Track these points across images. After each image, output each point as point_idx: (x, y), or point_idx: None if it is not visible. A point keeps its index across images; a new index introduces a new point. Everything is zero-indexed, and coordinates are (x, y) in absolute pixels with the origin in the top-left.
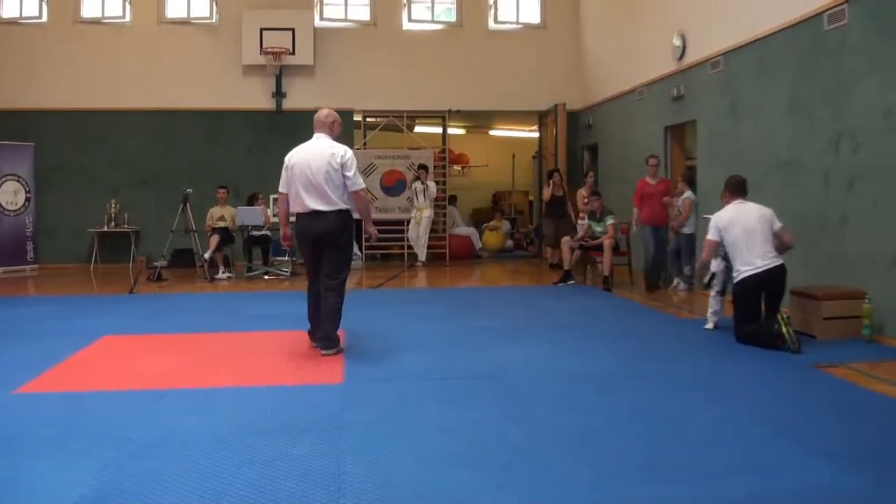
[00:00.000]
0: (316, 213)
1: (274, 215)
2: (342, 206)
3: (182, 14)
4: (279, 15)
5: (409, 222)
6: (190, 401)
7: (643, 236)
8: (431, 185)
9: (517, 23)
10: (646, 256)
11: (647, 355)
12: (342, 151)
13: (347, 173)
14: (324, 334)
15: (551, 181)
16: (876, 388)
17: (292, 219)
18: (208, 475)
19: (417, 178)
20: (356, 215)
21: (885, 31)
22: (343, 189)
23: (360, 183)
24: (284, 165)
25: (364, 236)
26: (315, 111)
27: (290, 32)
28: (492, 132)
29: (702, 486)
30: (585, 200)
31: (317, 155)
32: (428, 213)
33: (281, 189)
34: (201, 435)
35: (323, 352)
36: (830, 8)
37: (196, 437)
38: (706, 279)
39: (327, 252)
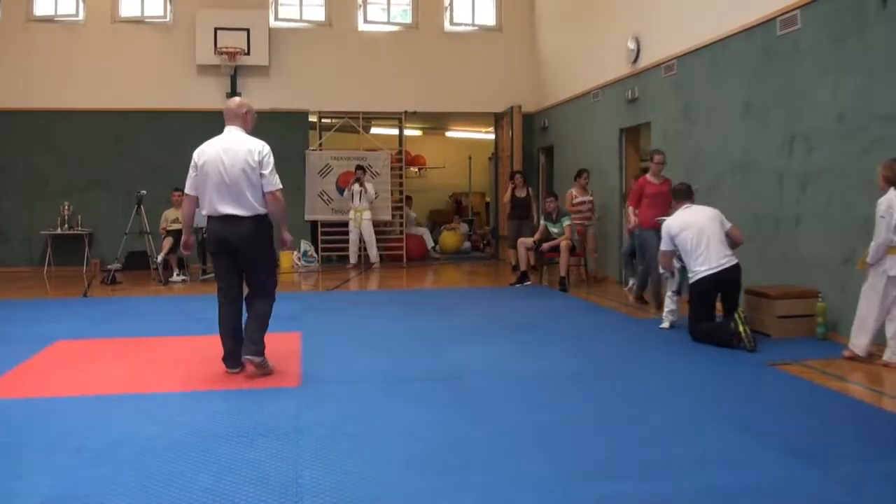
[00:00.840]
0: (230, 219)
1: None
2: (260, 210)
3: (136, 13)
4: (234, 14)
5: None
6: (146, 406)
7: (642, 240)
8: (370, 186)
9: (473, 25)
10: (641, 264)
11: (604, 354)
12: (259, 147)
13: (264, 171)
14: (251, 338)
15: (513, 182)
16: (830, 384)
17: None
18: (165, 481)
19: (357, 180)
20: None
21: (838, 35)
22: (262, 190)
23: (276, 183)
24: (192, 163)
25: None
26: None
27: (244, 32)
28: (448, 134)
29: (660, 482)
30: (575, 199)
31: (231, 151)
32: (368, 214)
33: (188, 191)
34: (157, 440)
35: (246, 356)
36: (783, 13)
37: (152, 442)
38: (676, 287)
39: (247, 264)
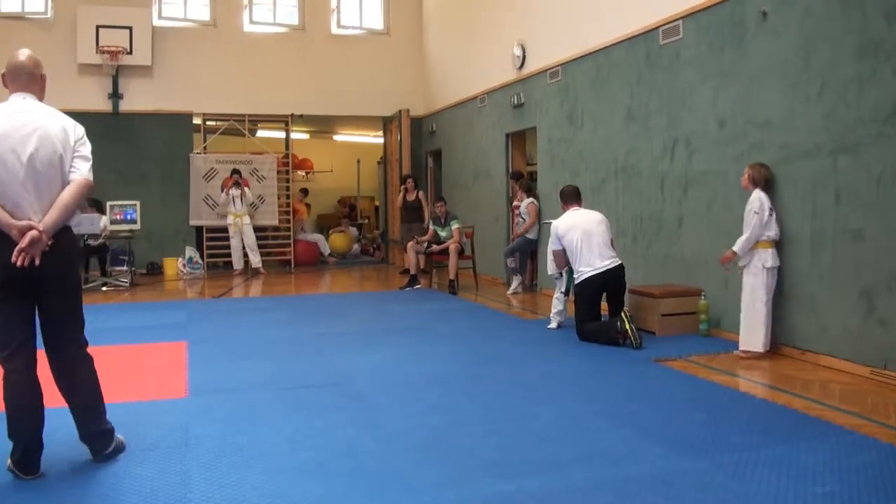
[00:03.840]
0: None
1: (112, 223)
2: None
3: (16, 8)
4: (116, 12)
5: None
6: None
7: None
8: (247, 190)
9: (360, 28)
10: None
11: (493, 356)
12: (73, 122)
13: (85, 152)
14: (94, 430)
15: (404, 186)
16: (714, 378)
17: None
18: (48, 501)
19: (236, 184)
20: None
21: (717, 45)
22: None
23: (89, 171)
24: None
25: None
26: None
27: (127, 31)
28: (336, 137)
29: (548, 478)
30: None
31: (39, 130)
32: (247, 219)
33: None
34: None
35: (95, 458)
36: (666, 23)
37: None
38: (563, 288)
39: (55, 302)
